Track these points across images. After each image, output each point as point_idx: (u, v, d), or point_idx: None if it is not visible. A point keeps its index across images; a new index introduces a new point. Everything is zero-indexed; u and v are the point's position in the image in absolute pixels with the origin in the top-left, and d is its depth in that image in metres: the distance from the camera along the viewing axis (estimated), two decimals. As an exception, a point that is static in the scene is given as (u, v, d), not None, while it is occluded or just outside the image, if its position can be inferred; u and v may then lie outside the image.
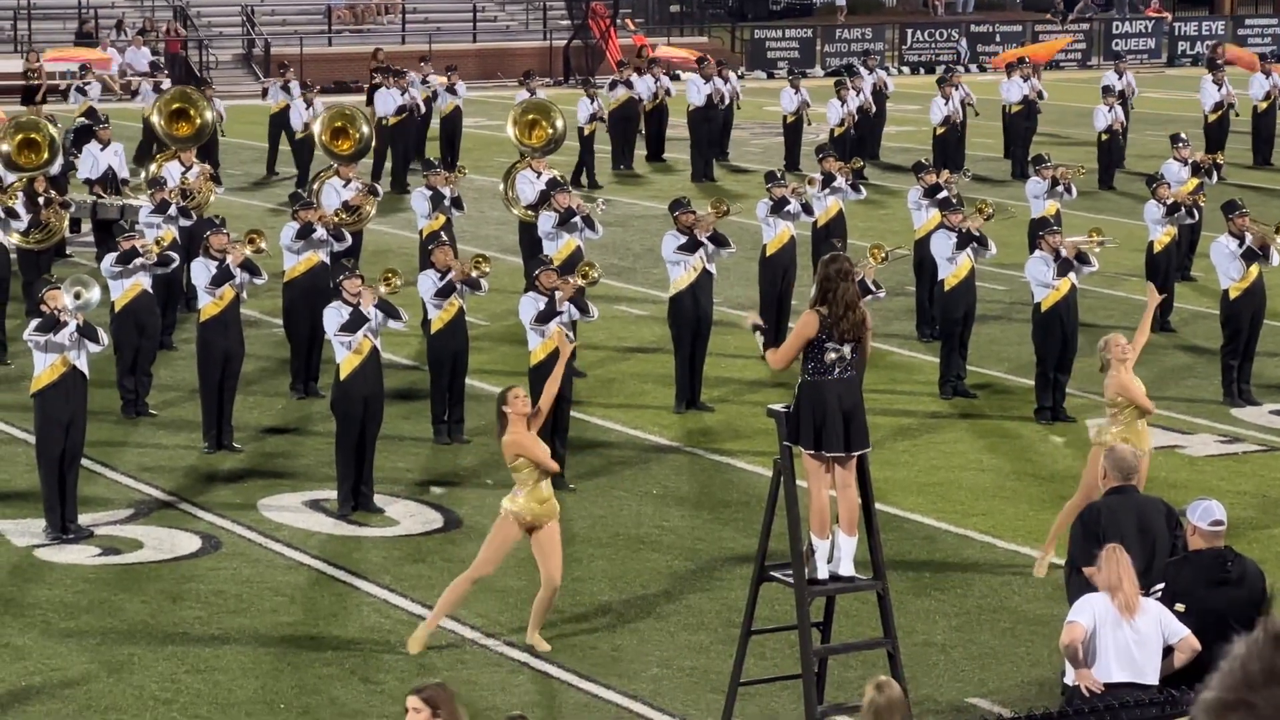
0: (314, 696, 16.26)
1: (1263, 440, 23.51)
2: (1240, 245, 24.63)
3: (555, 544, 17.14)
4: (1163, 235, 28.09)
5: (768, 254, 27.00)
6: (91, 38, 54.39)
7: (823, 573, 15.11)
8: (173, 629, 17.84)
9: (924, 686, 15.56)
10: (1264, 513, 19.73)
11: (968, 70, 52.18)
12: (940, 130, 40.04)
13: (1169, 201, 28.16)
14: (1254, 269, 24.66)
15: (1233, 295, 24.89)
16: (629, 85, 43.29)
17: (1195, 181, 29.91)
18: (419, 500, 21.15)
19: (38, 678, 16.77)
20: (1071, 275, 23.88)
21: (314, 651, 17.40)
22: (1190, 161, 30.96)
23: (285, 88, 40.45)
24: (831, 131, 39.56)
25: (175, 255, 24.52)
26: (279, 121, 40.35)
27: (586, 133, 39.80)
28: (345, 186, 28.39)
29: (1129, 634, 13.04)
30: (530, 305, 21.66)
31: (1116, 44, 62.88)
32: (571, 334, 21.82)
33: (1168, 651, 13.03)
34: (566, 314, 21.59)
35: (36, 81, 45.27)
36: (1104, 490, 15.52)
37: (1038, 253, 24.31)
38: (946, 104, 40.40)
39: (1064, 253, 23.92)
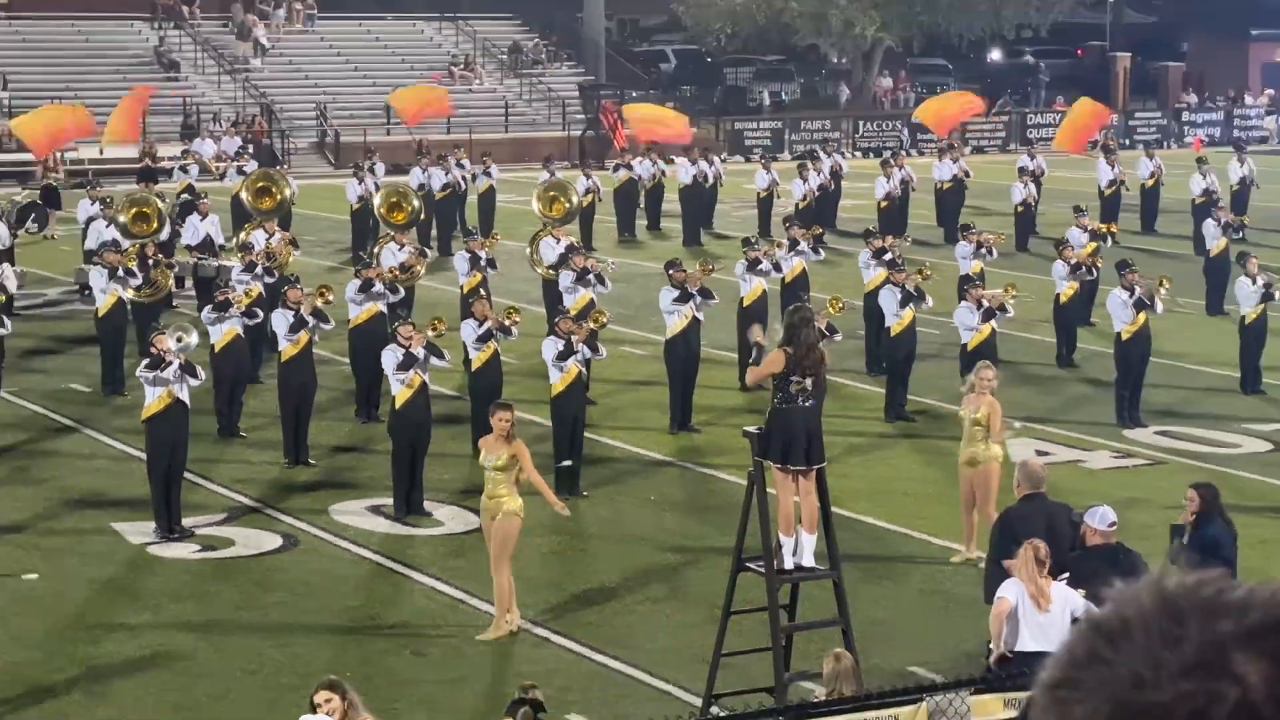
0: (374, 667, 16.30)
1: (1149, 455, 23.54)
2: (1131, 296, 24.71)
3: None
4: (1067, 289, 28.21)
5: (745, 304, 27.06)
6: (194, 129, 54.47)
7: (789, 564, 15.18)
8: (259, 612, 17.89)
9: (872, 657, 15.57)
10: (1150, 515, 19.74)
11: (909, 154, 52.20)
12: (884, 203, 40.08)
13: (1072, 261, 28.28)
14: (1142, 316, 24.73)
15: (1124, 337, 24.96)
16: (630, 168, 43.36)
17: (1093, 245, 29.95)
18: (460, 505, 21.19)
19: (148, 651, 16.81)
20: (992, 321, 24.05)
21: (374, 630, 17.45)
22: (1089, 229, 31.06)
23: (371, 169, 39.96)
24: (796, 204, 39.56)
25: (259, 310, 24.59)
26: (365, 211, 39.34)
27: (585, 204, 39.70)
28: (400, 250, 28.51)
29: (1042, 617, 13.12)
30: (551, 346, 21.75)
31: (1030, 132, 62.96)
32: (585, 370, 21.93)
33: (1075, 623, 13.12)
34: (581, 353, 21.71)
35: (150, 165, 45.34)
36: (1018, 497, 15.60)
37: (964, 303, 24.47)
38: (889, 182, 40.50)
39: (986, 303, 24.09)
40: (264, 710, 15.34)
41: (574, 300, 25.68)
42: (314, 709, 11.55)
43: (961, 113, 50.79)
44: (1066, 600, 13.18)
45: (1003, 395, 23.75)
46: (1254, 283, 26.27)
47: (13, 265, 29.82)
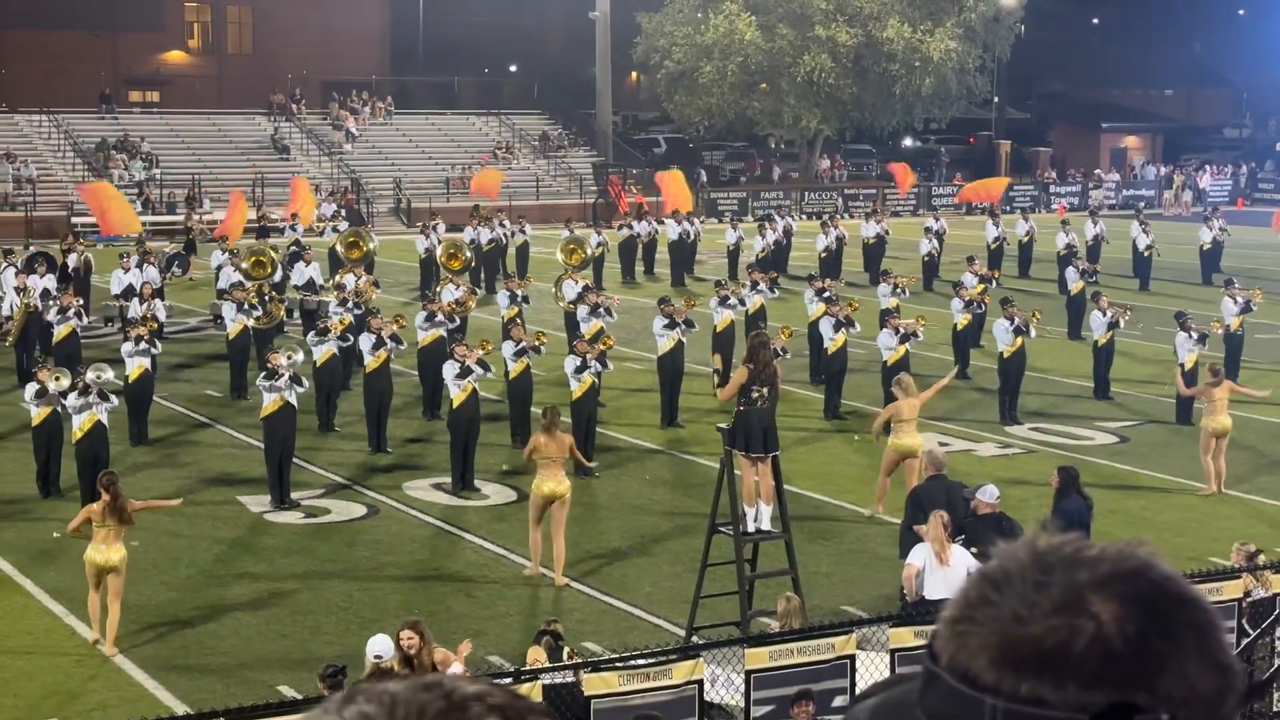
0: (437, 605, 16.29)
1: (1024, 446, 23.54)
2: (1011, 324, 24.74)
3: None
4: (962, 319, 28.20)
5: (717, 330, 27.09)
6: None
7: (750, 528, 15.19)
8: (349, 564, 17.90)
9: (814, 598, 15.57)
10: (1025, 492, 19.75)
11: (842, 217, 52.18)
12: (824, 254, 40.12)
13: (966, 298, 28.28)
14: (1019, 339, 24.75)
15: (1006, 355, 24.97)
16: (631, 227, 43.36)
17: (982, 286, 29.96)
18: (502, 483, 21.19)
19: (263, 593, 16.82)
20: (906, 344, 24.04)
21: (436, 578, 17.45)
22: (979, 273, 31.07)
23: (435, 228, 39.89)
24: (757, 255, 39.60)
25: (350, 335, 24.59)
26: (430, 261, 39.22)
27: (597, 254, 39.68)
28: (456, 289, 28.49)
29: (945, 570, 13.13)
30: (571, 362, 21.77)
31: (934, 200, 62.96)
32: (598, 380, 21.92)
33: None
34: (594, 368, 21.70)
35: (265, 224, 45.40)
36: (925, 477, 15.60)
37: (885, 330, 24.44)
38: (827, 238, 40.53)
39: (901, 330, 24.08)
40: (352, 638, 15.31)
41: (588, 328, 25.69)
42: (397, 643, 11.56)
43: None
44: (965, 560, 13.19)
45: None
46: (1104, 315, 26.29)
47: (163, 301, 29.82)
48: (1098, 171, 71.48)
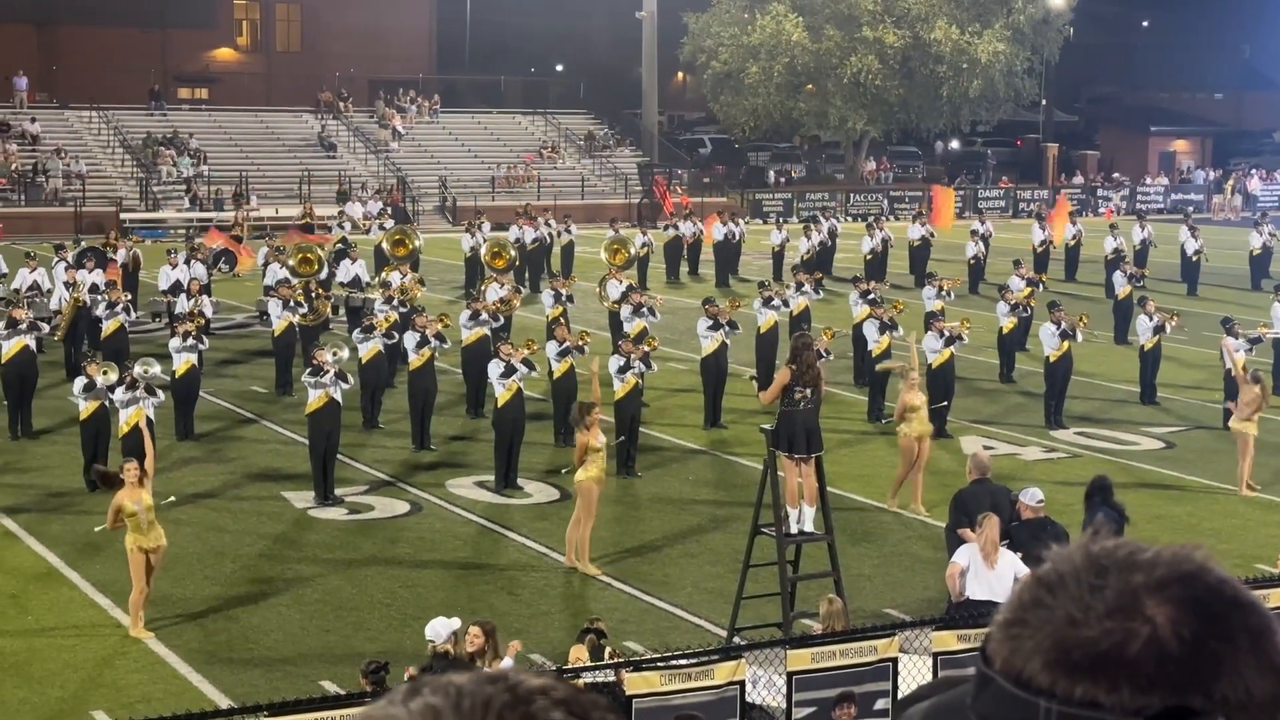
0: (479, 603, 16.31)
1: (1069, 450, 23.41)
2: (1058, 329, 24.61)
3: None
4: (1008, 323, 28.07)
5: (761, 332, 27.02)
6: (346, 195, 54.68)
7: (793, 529, 15.17)
8: (392, 560, 17.95)
9: (856, 600, 15.54)
10: (1070, 496, 19.64)
11: (887, 219, 52.01)
12: (869, 256, 40.00)
13: (1012, 302, 28.15)
14: (1066, 344, 24.62)
15: (1052, 360, 24.83)
16: (676, 228, 43.34)
17: (1029, 289, 29.82)
18: (545, 481, 21.22)
19: (308, 588, 16.89)
20: (952, 346, 23.91)
21: (479, 575, 17.49)
22: (1025, 277, 30.92)
23: (480, 227, 39.93)
24: (802, 256, 39.53)
25: (396, 332, 24.66)
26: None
27: (641, 254, 39.64)
28: (501, 288, 28.54)
29: (990, 573, 13.08)
30: (615, 362, 21.76)
31: (980, 203, 62.69)
32: (641, 380, 21.91)
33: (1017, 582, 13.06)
34: (638, 368, 21.69)
35: (309, 221, 45.59)
36: (969, 480, 15.53)
37: (930, 332, 24.34)
38: (872, 240, 40.40)
39: (947, 332, 23.96)
40: (394, 633, 15.38)
41: (631, 327, 25.71)
42: (465, 637, 11.71)
43: (947, 209, 51.13)
44: (1013, 564, 13.14)
45: (956, 403, 23.98)
46: (1150, 320, 26.14)
47: (209, 297, 29.99)
48: (1146, 175, 71.07)
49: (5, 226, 48.05)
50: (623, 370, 21.46)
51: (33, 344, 23.76)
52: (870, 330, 25.19)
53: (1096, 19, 77.44)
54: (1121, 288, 32.40)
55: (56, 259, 31.75)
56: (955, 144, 77.71)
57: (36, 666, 14.60)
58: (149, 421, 17.08)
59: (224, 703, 13.27)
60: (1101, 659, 1.31)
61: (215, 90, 70.70)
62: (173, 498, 18.66)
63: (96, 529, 17.61)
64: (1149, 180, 69.87)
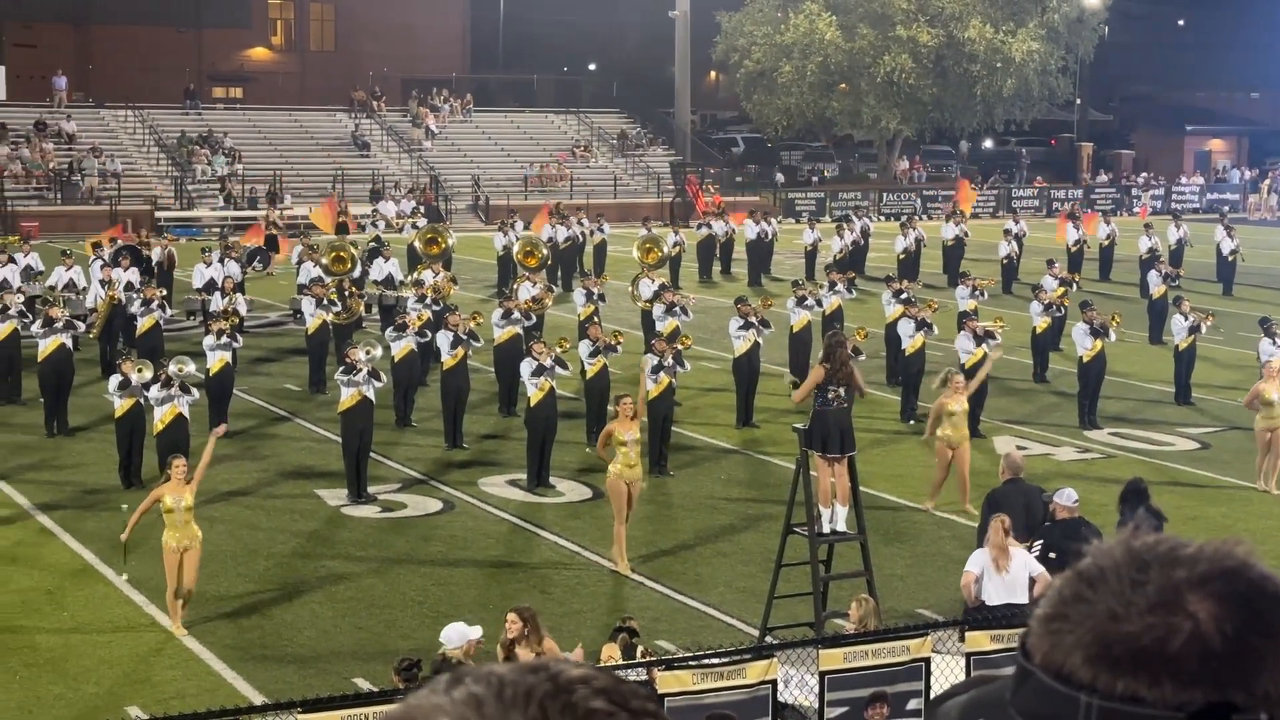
0: (510, 601, 16.24)
1: (1103, 451, 23.32)
2: (1090, 327, 24.51)
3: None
4: (1041, 322, 27.97)
5: (794, 331, 27.00)
6: (380, 194, 54.79)
7: (825, 529, 15.15)
8: (424, 558, 17.99)
9: (889, 601, 15.51)
10: (1105, 495, 19.56)
11: (921, 218, 51.88)
12: (901, 256, 39.92)
13: (1045, 301, 28.05)
14: (1099, 343, 24.51)
15: (1085, 360, 24.73)
16: (709, 227, 43.33)
17: (1062, 289, 29.72)
18: (577, 480, 21.23)
19: (341, 586, 16.94)
20: (984, 346, 23.82)
21: (511, 573, 17.51)
22: (1059, 276, 30.81)
23: (512, 226, 39.95)
24: (835, 255, 39.50)
25: (429, 331, 24.69)
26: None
27: (674, 253, 39.56)
28: (533, 286, 28.57)
29: (1003, 576, 13.05)
30: (649, 361, 21.75)
31: (1014, 203, 62.49)
32: (675, 379, 21.87)
33: (1034, 583, 13.00)
34: (672, 367, 21.66)
35: (344, 220, 45.66)
36: (1002, 480, 15.49)
37: (963, 332, 24.26)
38: (905, 239, 40.28)
39: (979, 332, 23.89)
40: (426, 632, 15.40)
41: (664, 326, 25.71)
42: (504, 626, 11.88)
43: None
44: (1025, 563, 13.11)
45: (990, 403, 23.90)
46: (1185, 319, 26.01)
47: (244, 295, 30.12)
48: (1181, 175, 70.71)
49: (41, 225, 48.33)
50: (656, 370, 21.44)
51: (69, 342, 23.89)
52: (904, 329, 25.13)
53: (1131, 17, 77.07)
54: (1156, 287, 32.26)
55: (93, 257, 31.93)
56: (989, 143, 77.43)
57: (72, 663, 14.69)
58: (214, 440, 16.83)
59: (258, 699, 13.33)
60: (1143, 654, 1.30)
61: (250, 89, 71.02)
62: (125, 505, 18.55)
63: (124, 505, 17.71)
64: (1184, 180, 69.51)
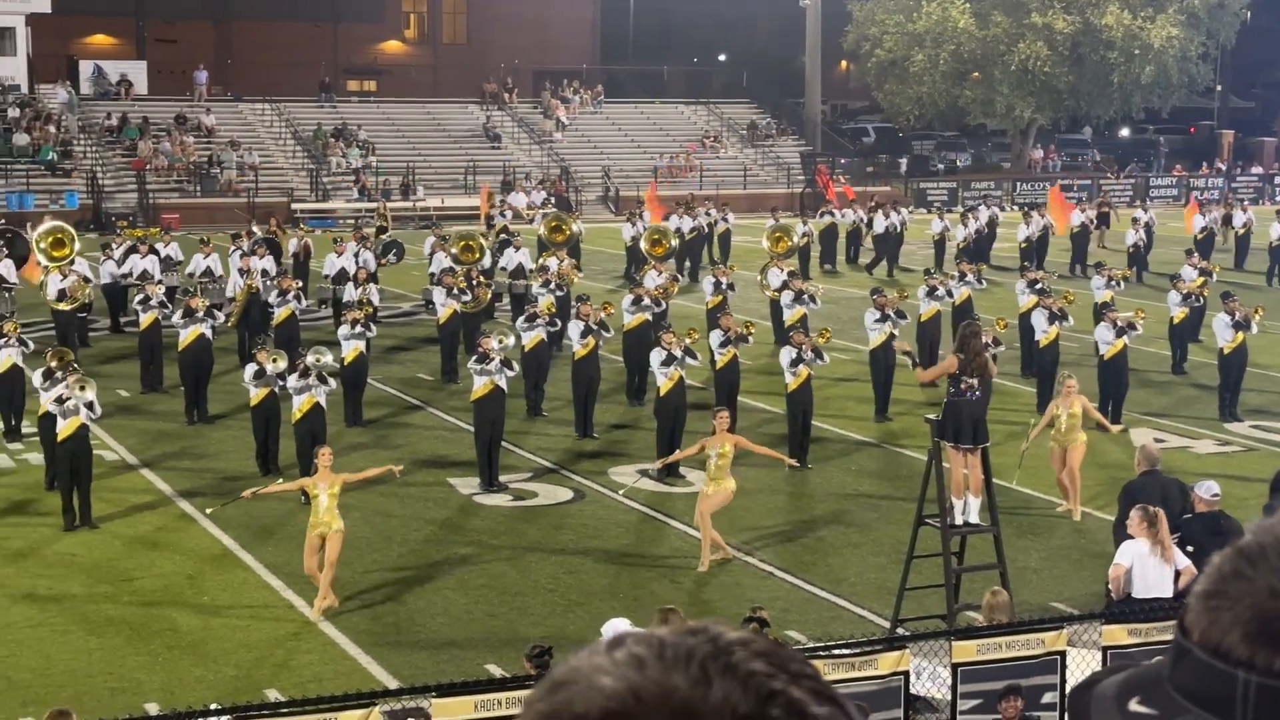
0: (640, 589, 16.41)
1: (1244, 444, 22.87)
2: (1231, 319, 24.03)
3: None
4: (1179, 313, 27.48)
5: (922, 321, 26.80)
6: (510, 185, 55.15)
7: (958, 521, 15.02)
8: (555, 547, 18.10)
9: (1022, 594, 15.35)
10: (1245, 490, 19.19)
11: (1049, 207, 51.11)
12: (1023, 244, 39.19)
13: (1185, 292, 27.55)
14: (1240, 335, 24.03)
15: (1226, 351, 24.27)
16: (832, 214, 43.12)
17: (1201, 279, 29.18)
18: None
19: (473, 572, 17.11)
20: (1124, 337, 23.43)
21: (640, 562, 17.57)
22: (1198, 266, 30.27)
23: (641, 216, 40.02)
24: (958, 245, 39.12)
25: (559, 319, 24.79)
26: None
27: (803, 243, 39.21)
28: (660, 275, 28.62)
29: (1156, 570, 12.83)
30: (787, 354, 21.64)
31: (1152, 192, 61.36)
32: (812, 371, 21.73)
33: (1178, 576, 12.79)
34: (810, 359, 21.49)
35: (488, 213, 46.02)
36: (1139, 472, 15.25)
37: (1103, 323, 23.88)
38: (1029, 227, 39.59)
39: (1119, 323, 23.49)
40: (558, 619, 15.52)
41: (791, 314, 25.64)
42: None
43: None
44: (1177, 563, 12.89)
45: (1130, 396, 23.53)
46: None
47: (377, 285, 30.47)
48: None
49: (181, 217, 49.31)
50: (795, 363, 21.34)
51: (208, 332, 24.36)
52: (1038, 320, 24.79)
53: (1275, 1, 75.29)
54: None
55: (233, 248, 32.53)
56: (1126, 131, 76.14)
57: (212, 645, 15.00)
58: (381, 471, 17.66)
59: (392, 684, 13.51)
60: (1304, 632, 1.28)
61: (383, 82, 71.88)
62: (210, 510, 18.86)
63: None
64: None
